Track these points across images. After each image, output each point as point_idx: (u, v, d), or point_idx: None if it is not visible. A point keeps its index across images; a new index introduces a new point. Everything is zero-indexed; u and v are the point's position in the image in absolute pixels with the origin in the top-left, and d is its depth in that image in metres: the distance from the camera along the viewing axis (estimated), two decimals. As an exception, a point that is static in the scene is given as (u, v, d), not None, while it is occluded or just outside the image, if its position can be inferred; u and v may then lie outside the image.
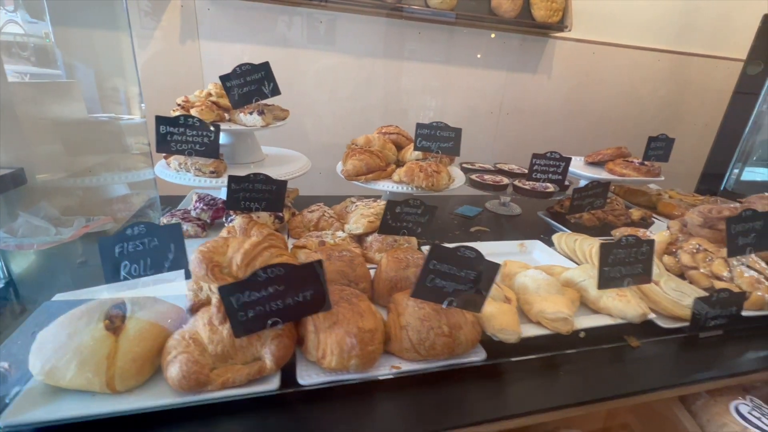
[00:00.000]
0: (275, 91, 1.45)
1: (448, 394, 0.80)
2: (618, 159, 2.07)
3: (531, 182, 1.76)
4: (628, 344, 0.99)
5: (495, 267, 0.84)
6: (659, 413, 1.00)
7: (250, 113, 1.42)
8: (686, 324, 1.02)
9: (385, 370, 0.79)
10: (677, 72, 3.66)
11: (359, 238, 1.32)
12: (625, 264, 1.01)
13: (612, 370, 0.92)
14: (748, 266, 1.16)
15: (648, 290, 1.09)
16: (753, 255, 1.18)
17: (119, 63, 1.34)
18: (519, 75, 3.44)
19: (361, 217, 1.32)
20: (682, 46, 3.58)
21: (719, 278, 1.16)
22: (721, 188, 2.36)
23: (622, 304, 0.99)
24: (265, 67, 1.42)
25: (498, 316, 0.87)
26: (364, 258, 1.23)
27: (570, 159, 1.66)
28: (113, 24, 1.34)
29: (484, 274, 0.84)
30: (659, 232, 1.41)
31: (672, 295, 1.09)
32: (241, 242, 0.82)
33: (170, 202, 1.65)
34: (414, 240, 1.31)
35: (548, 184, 1.79)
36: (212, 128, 1.29)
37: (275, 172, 1.51)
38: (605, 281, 0.99)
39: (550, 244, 1.46)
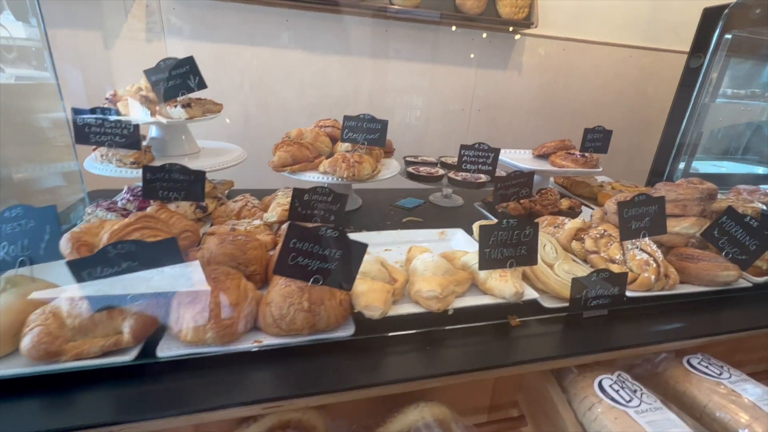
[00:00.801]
0: (201, 85, 1.49)
1: (316, 364, 0.84)
2: (561, 151, 2.11)
3: (462, 173, 1.79)
4: (509, 322, 1.03)
5: (361, 247, 0.88)
6: (538, 390, 1.03)
7: (175, 106, 1.46)
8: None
9: (250, 342, 0.83)
10: (647, 67, 3.69)
11: (276, 227, 1.36)
12: (507, 245, 1.04)
13: (488, 346, 0.96)
14: (641, 249, 1.19)
15: (540, 272, 1.13)
16: (647, 239, 1.21)
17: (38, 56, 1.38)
18: (489, 71, 3.47)
19: (277, 205, 1.36)
20: (651, 41, 3.61)
21: (613, 261, 1.20)
22: (663, 179, 2.39)
23: (501, 284, 1.02)
24: (190, 61, 1.46)
25: (366, 293, 0.91)
26: (277, 244, 1.27)
27: (499, 150, 1.70)
28: (23, 15, 1.38)
29: (351, 253, 0.88)
30: (573, 220, 1.45)
31: (562, 277, 1.12)
32: (114, 224, 0.85)
33: (112, 195, 1.70)
34: (328, 227, 1.34)
35: (481, 175, 1.83)
36: (131, 120, 1.33)
37: (206, 164, 1.55)
38: (485, 262, 1.03)
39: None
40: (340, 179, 1.51)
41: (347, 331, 0.89)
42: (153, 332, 0.81)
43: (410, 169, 1.86)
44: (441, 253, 1.26)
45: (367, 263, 1.01)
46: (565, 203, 1.71)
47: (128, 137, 1.34)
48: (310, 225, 1.31)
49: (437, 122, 3.46)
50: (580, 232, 1.37)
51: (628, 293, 1.11)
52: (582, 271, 1.15)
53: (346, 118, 1.59)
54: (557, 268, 1.15)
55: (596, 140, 1.98)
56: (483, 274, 1.08)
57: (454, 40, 3.22)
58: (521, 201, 1.67)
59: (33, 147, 1.43)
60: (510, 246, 1.05)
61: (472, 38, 3.27)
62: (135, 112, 1.42)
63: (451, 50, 3.24)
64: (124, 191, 1.48)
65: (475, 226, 1.47)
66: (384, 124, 1.60)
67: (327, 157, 1.64)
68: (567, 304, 1.06)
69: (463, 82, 3.40)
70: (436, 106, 3.46)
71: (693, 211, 1.31)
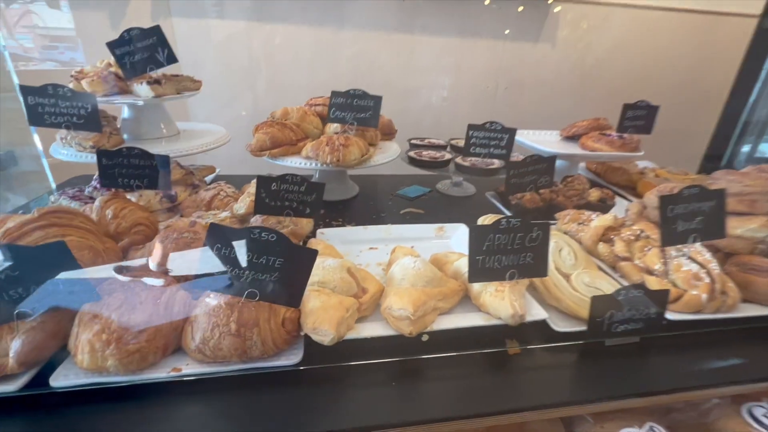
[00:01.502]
0: (171, 59, 1.33)
1: (251, 400, 0.67)
2: (594, 132, 1.80)
3: (471, 158, 1.54)
4: (507, 350, 0.81)
5: (309, 254, 0.69)
6: (541, 436, 0.82)
7: (141, 84, 1.31)
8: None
9: (165, 372, 0.67)
10: (706, 34, 3.18)
11: (245, 220, 1.19)
12: (507, 252, 0.82)
13: (479, 382, 0.75)
14: (690, 258, 0.92)
15: (552, 285, 0.89)
16: (698, 244, 0.93)
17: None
18: (518, 45, 3.11)
19: (246, 196, 1.19)
20: (711, 3, 3.09)
21: (650, 272, 0.94)
22: (721, 166, 2.01)
23: (497, 302, 0.80)
24: (157, 31, 1.30)
25: (315, 312, 0.72)
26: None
27: (515, 130, 1.43)
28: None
29: (297, 261, 0.69)
30: (602, 215, 1.18)
31: (581, 292, 0.88)
32: (15, 220, 0.71)
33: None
34: (304, 222, 1.16)
35: (494, 160, 1.57)
36: (89, 99, 1.19)
37: (180, 147, 1.41)
38: (477, 272, 0.81)
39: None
40: (323, 164, 1.31)
41: (292, 359, 0.71)
42: (50, 356, 0.67)
43: (412, 153, 1.63)
44: (432, 256, 1.05)
45: (329, 270, 0.82)
46: (594, 194, 1.43)
47: (87, 118, 1.20)
48: (272, 219, 1.14)
49: (460, 102, 3.16)
50: (610, 232, 1.11)
51: (669, 315, 0.85)
52: (608, 284, 0.90)
53: (334, 94, 1.38)
54: (575, 280, 0.91)
55: (638, 118, 1.65)
56: (477, 286, 0.86)
57: (481, 12, 2.89)
58: (540, 191, 1.41)
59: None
60: (511, 252, 0.82)
61: (500, 8, 2.92)
62: (96, 90, 1.28)
63: (476, 23, 2.91)
64: (93, 178, 1.37)
65: (480, 221, 1.24)
66: (377, 101, 1.37)
67: (314, 140, 1.45)
68: (585, 328, 0.83)
69: (488, 58, 3.06)
70: (460, 85, 3.14)
71: (764, 209, 1.01)
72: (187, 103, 2.70)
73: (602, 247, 1.08)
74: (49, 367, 0.66)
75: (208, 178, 1.61)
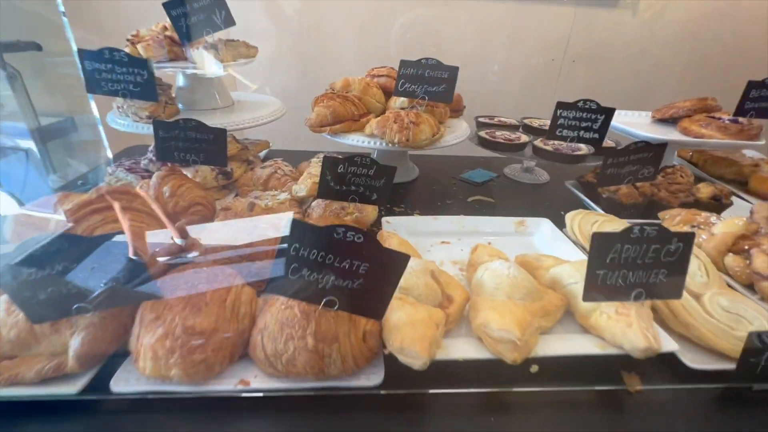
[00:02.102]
0: (228, 21, 1.21)
1: (326, 423, 0.58)
2: (699, 114, 1.53)
3: (556, 141, 1.35)
4: (626, 388, 0.66)
5: (400, 260, 0.57)
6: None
7: (197, 49, 1.21)
8: (731, 366, 0.66)
9: (232, 384, 0.59)
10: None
11: (307, 203, 1.09)
12: (635, 267, 0.65)
13: (588, 424, 0.62)
14: None
15: (679, 307, 0.72)
16: None
17: None
18: (592, 11, 2.75)
19: (308, 176, 1.08)
20: None
21: (812, 299, 0.74)
22: None
23: (620, 328, 0.65)
24: (214, -11, 1.18)
25: (403, 329, 0.60)
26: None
27: (613, 110, 1.22)
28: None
29: (385, 267, 0.57)
30: (728, 219, 0.97)
31: (719, 319, 0.71)
32: (75, 198, 0.63)
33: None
34: (369, 209, 1.04)
35: (580, 145, 1.37)
36: (145, 66, 1.11)
37: (234, 120, 1.31)
38: (595, 290, 0.65)
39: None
40: (390, 144, 1.17)
41: (372, 380, 0.60)
42: (111, 354, 0.60)
43: (483, 134, 1.45)
44: (519, 258, 0.90)
45: (412, 274, 0.70)
46: (705, 190, 1.21)
47: (143, 86, 1.13)
48: (327, 218, 1.02)
49: (518, 75, 2.86)
50: (743, 241, 0.91)
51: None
52: (753, 311, 0.72)
53: (403, 63, 1.22)
54: (709, 303, 0.74)
55: (762, 99, 1.37)
56: (588, 304, 0.71)
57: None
58: (638, 184, 1.20)
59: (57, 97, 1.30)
60: (641, 268, 0.66)
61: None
62: (151, 56, 1.20)
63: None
64: (149, 149, 1.31)
65: (570, 218, 1.07)
66: (453, 72, 1.20)
67: (378, 116, 1.31)
68: (723, 366, 0.67)
69: (555, 25, 2.72)
70: (519, 55, 2.82)
71: None
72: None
73: (732, 260, 0.89)
74: (108, 367, 0.60)
75: (262, 154, 1.52)
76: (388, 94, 1.40)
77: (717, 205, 1.18)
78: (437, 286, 0.71)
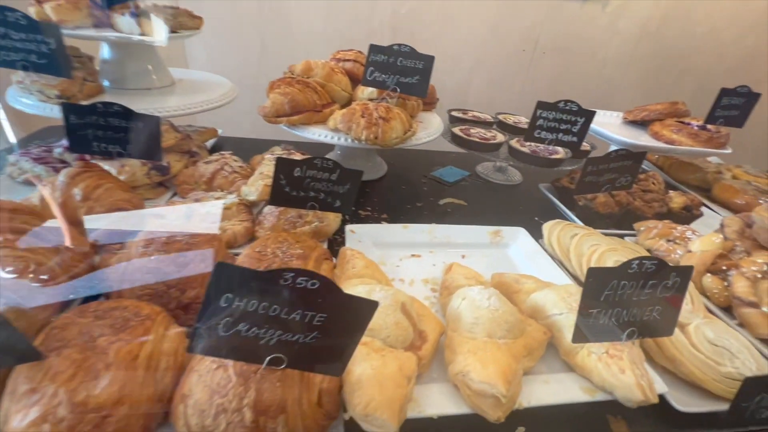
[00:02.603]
0: (164, -17, 1.01)
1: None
2: (670, 119, 1.51)
3: (533, 143, 1.27)
4: (611, 432, 0.60)
5: (366, 308, 0.45)
6: None
7: (123, 14, 1.00)
8: (720, 407, 0.61)
9: (147, 465, 0.45)
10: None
11: (259, 207, 0.94)
12: (630, 304, 0.58)
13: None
14: None
15: (668, 342, 0.67)
16: None
17: None
18: (564, 3, 2.69)
19: (259, 177, 0.93)
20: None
21: (794, 330, 0.72)
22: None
23: (611, 373, 0.58)
24: (145, -58, 0.96)
25: (367, 386, 0.49)
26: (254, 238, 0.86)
27: (593, 113, 1.15)
28: None
29: (346, 316, 0.45)
30: (705, 236, 0.94)
31: (705, 353, 0.66)
32: None
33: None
34: (331, 217, 0.91)
35: (557, 148, 1.30)
36: (53, 32, 0.89)
37: (179, 103, 1.12)
38: (586, 330, 0.58)
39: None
40: (356, 141, 1.04)
41: (328, 450, 0.49)
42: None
43: (458, 131, 1.35)
44: (497, 277, 0.82)
45: (380, 311, 0.58)
46: (677, 200, 1.18)
47: (50, 57, 0.91)
48: (291, 212, 0.86)
49: (489, 65, 2.76)
50: (720, 261, 0.88)
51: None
52: (738, 342, 0.68)
53: (373, 49, 1.08)
54: (695, 334, 0.69)
55: (732, 107, 1.37)
56: (571, 344, 0.64)
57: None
58: (615, 193, 1.15)
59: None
60: (635, 305, 0.58)
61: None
62: (65, 20, 0.97)
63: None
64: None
65: (547, 229, 1.00)
66: (428, 62, 1.07)
67: (343, 106, 1.16)
68: (712, 407, 0.62)
69: (527, 15, 2.64)
70: (490, 44, 2.72)
71: None
72: (183, 46, 2.32)
73: (710, 281, 0.85)
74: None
75: (209, 144, 1.33)
76: (355, 81, 1.25)
77: (688, 215, 1.16)
78: (408, 323, 0.61)
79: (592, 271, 0.55)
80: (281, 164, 0.79)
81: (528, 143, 1.28)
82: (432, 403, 0.55)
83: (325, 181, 0.84)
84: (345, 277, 0.68)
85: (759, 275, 0.80)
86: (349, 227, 0.95)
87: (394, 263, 0.90)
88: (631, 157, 1.07)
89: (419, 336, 0.62)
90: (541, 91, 2.94)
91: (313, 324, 0.45)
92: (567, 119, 1.15)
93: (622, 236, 1.08)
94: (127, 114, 0.88)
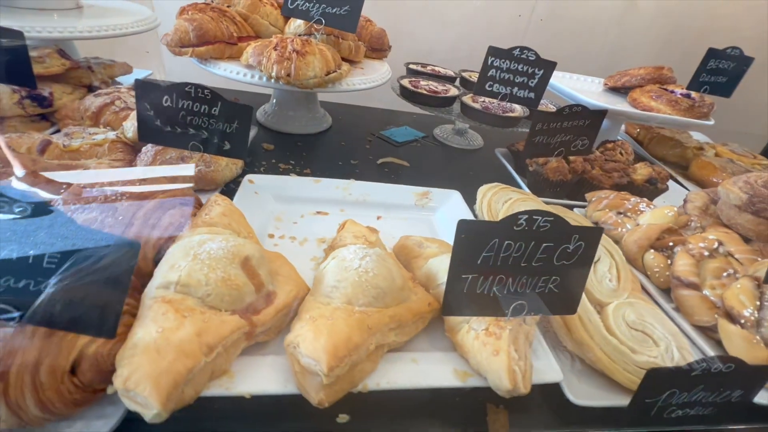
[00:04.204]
0: None
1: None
2: (651, 85, 1.35)
3: (486, 99, 1.12)
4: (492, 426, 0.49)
5: (127, 253, 0.33)
6: None
7: None
8: (625, 402, 0.50)
9: None
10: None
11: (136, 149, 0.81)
12: (518, 271, 0.46)
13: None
14: (805, 306, 0.58)
15: (577, 322, 0.55)
16: (823, 285, 0.59)
17: None
18: (566, -36, 2.45)
19: (141, 111, 0.79)
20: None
21: (733, 318, 0.60)
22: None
23: (485, 355, 0.47)
24: None
25: (139, 354, 0.37)
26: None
27: (553, 64, 1.00)
28: None
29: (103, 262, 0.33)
30: (657, 209, 0.81)
31: (620, 338, 0.55)
32: None
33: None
34: (223, 163, 0.78)
35: (515, 106, 1.15)
36: None
37: (84, 25, 0.97)
38: (459, 300, 0.46)
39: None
40: (268, 79, 0.89)
41: (94, 427, 0.38)
42: None
43: (405, 82, 1.19)
44: (400, 242, 0.70)
45: (203, 262, 0.46)
46: (642, 171, 1.05)
47: None
48: (172, 152, 0.70)
49: (481, 30, 2.55)
50: (669, 236, 0.75)
51: (764, 399, 0.53)
52: (662, 326, 0.57)
53: (296, -29, 0.91)
54: (613, 316, 0.57)
55: (719, 72, 1.21)
56: (454, 318, 0.52)
57: None
58: (571, 158, 1.02)
59: None
60: (525, 273, 0.46)
61: None
62: None
63: None
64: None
65: (482, 192, 0.87)
66: (359, -10, 0.91)
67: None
68: (613, 402, 0.51)
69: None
70: (483, 8, 2.50)
71: None
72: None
73: (652, 258, 0.73)
74: None
75: (123, 82, 1.18)
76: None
77: (652, 189, 1.03)
78: (248, 281, 0.49)
79: (464, 225, 0.43)
80: (142, 89, 0.66)
81: (481, 98, 1.13)
82: (252, 380, 0.44)
83: (206, 116, 0.70)
84: (194, 224, 0.56)
85: (706, 253, 0.67)
86: (248, 177, 0.82)
87: (292, 220, 0.77)
88: (588, 116, 0.93)
89: (265, 298, 0.51)
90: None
91: (69, 274, 0.33)
92: (523, 70, 1.00)
93: (571, 207, 0.96)
94: (-20, 25, 0.73)
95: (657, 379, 0.45)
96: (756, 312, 0.58)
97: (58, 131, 0.89)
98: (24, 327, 0.35)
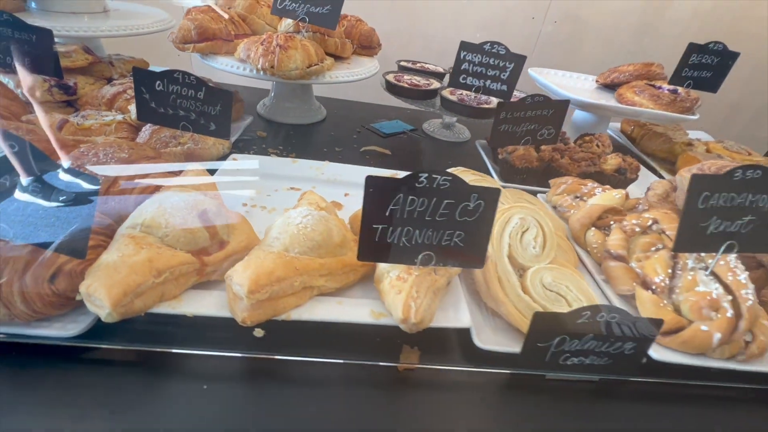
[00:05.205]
0: None
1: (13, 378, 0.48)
2: (639, 81, 1.37)
3: (463, 91, 1.19)
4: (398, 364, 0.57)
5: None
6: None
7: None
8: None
9: None
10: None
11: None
12: (423, 225, 0.53)
13: (349, 404, 0.52)
14: (713, 274, 0.61)
15: (496, 280, 0.61)
16: (733, 257, 0.62)
17: None
18: (581, -34, 2.47)
19: (144, 96, 0.92)
20: None
21: (647, 284, 0.64)
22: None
23: (392, 294, 0.54)
24: None
25: (102, 269, 0.48)
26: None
27: (523, 58, 1.06)
28: None
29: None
30: (606, 192, 0.85)
31: (534, 297, 0.60)
32: None
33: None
34: (210, 142, 0.90)
35: (492, 98, 1.21)
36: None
37: (107, 26, 1.13)
38: (371, 247, 0.54)
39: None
40: (256, 71, 1.00)
41: (69, 329, 0.49)
42: None
43: (389, 77, 1.28)
44: (355, 213, 0.78)
45: (167, 209, 0.57)
46: (612, 161, 1.08)
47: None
48: (165, 132, 0.82)
49: (493, 32, 2.59)
50: (612, 216, 0.79)
51: (655, 353, 0.57)
52: (578, 291, 0.62)
53: (284, -26, 1.02)
54: (531, 278, 0.63)
55: (703, 67, 1.21)
56: (382, 265, 0.60)
57: None
58: (542, 147, 1.07)
59: None
60: (430, 227, 0.53)
61: None
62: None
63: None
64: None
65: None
66: (339, -10, 1.01)
67: (261, 40, 1.12)
68: (510, 348, 0.57)
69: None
70: (496, 10, 2.55)
71: None
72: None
73: (592, 235, 0.77)
74: None
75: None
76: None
77: (621, 178, 1.06)
78: (202, 228, 0.59)
79: (371, 180, 0.51)
80: (139, 75, 0.78)
81: (459, 91, 1.20)
82: (196, 304, 0.53)
83: (193, 99, 0.82)
84: (167, 186, 0.67)
85: (638, 229, 0.71)
86: (233, 155, 0.93)
87: (266, 193, 0.87)
88: (552, 105, 0.98)
89: (219, 244, 0.60)
90: (550, 61, 2.74)
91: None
92: (494, 64, 1.06)
93: (535, 193, 1.00)
94: (17, 24, 0.88)
95: (544, 322, 0.51)
96: (668, 279, 0.62)
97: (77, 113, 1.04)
98: (17, 244, 0.46)
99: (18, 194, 0.49)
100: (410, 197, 0.52)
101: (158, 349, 0.52)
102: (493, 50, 1.05)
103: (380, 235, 0.53)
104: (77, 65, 1.05)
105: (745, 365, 0.58)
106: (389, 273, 0.58)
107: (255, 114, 1.32)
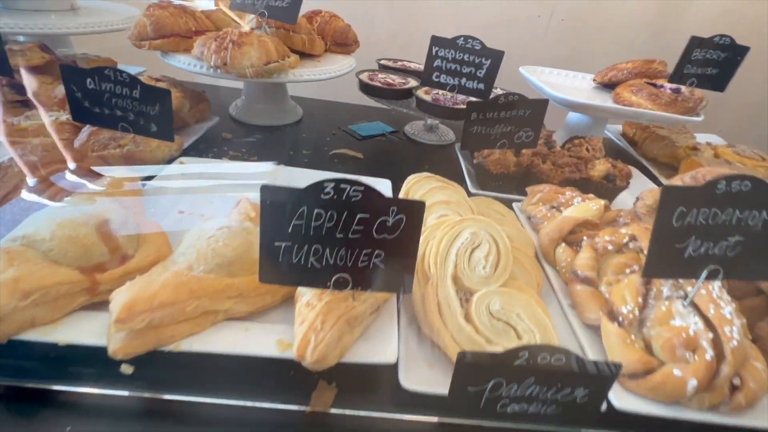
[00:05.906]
0: None
1: None
2: (638, 79, 1.25)
3: (438, 91, 1.10)
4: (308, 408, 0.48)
5: None
6: None
7: None
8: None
9: None
10: None
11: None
12: (334, 243, 0.45)
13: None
14: (693, 305, 0.51)
15: (435, 306, 0.53)
16: (717, 284, 0.51)
17: None
18: (589, -38, 2.35)
19: (87, 96, 0.87)
20: None
21: (614, 314, 0.54)
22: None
23: (296, 324, 0.46)
24: None
25: None
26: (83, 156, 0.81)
27: (501, 54, 0.96)
28: None
29: None
30: (584, 203, 0.75)
31: (479, 327, 0.51)
32: None
33: None
34: (153, 144, 0.84)
35: (466, 97, 1.12)
36: None
37: (74, 23, 1.09)
38: (270, 267, 0.46)
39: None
40: (210, 68, 0.94)
41: None
42: None
43: (363, 76, 1.20)
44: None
45: (52, 220, 0.50)
46: (601, 167, 0.97)
47: None
48: (104, 133, 0.77)
49: (498, 30, 2.48)
50: (586, 231, 0.70)
51: (617, 401, 0.48)
52: (532, 320, 0.53)
53: (243, -33, 0.96)
54: (476, 303, 0.54)
55: (708, 63, 1.10)
56: (298, 291, 0.53)
57: None
58: (524, 152, 0.97)
59: None
60: (341, 244, 0.45)
61: None
62: None
63: None
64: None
65: (408, 181, 0.85)
66: (301, -17, 0.94)
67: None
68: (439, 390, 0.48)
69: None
70: (501, 8, 2.45)
71: None
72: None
73: (562, 252, 0.68)
74: None
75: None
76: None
77: (610, 186, 0.96)
78: (99, 241, 0.52)
79: (267, 191, 0.43)
80: (67, 72, 0.72)
81: (434, 91, 1.11)
82: (72, 330, 0.46)
83: (129, 98, 0.76)
84: (76, 194, 0.61)
85: (611, 247, 0.62)
86: (180, 159, 0.87)
87: (209, 199, 0.81)
88: (529, 105, 0.88)
89: (120, 259, 0.54)
90: (556, 60, 2.62)
91: None
92: (470, 60, 0.97)
93: (512, 202, 0.91)
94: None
95: (472, 363, 0.42)
96: (638, 309, 0.52)
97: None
98: None
99: None
100: (316, 210, 0.44)
101: (17, 384, 0.45)
102: (468, 45, 0.96)
103: (284, 254, 0.45)
104: (33, 63, 1.01)
105: (729, 418, 0.48)
106: (303, 296, 0.50)
107: (227, 115, 1.26)
